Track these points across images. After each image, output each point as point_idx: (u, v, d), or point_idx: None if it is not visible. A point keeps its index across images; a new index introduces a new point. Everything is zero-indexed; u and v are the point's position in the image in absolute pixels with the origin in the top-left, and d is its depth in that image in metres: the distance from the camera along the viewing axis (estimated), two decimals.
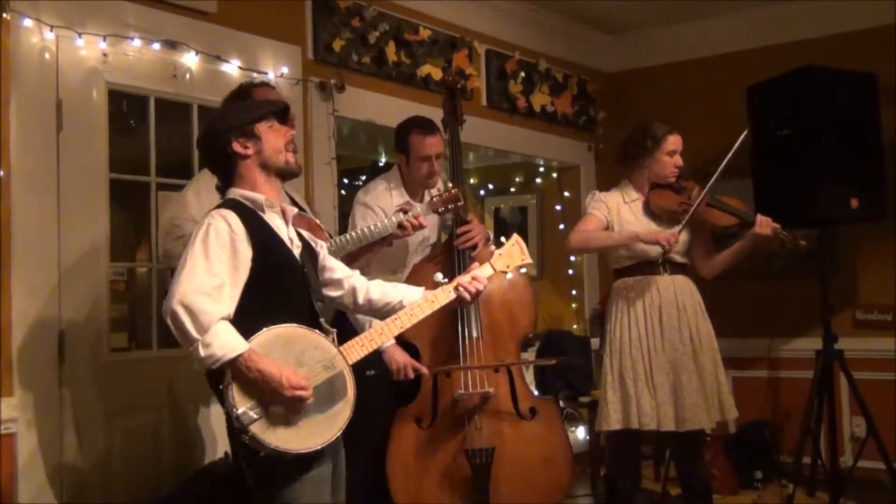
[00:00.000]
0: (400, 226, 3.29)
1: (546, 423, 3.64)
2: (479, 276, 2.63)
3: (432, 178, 3.72)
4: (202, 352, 2.20)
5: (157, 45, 3.55)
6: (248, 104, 2.72)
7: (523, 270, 2.83)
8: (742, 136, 3.60)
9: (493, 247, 3.78)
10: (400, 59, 4.64)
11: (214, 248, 2.30)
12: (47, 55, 3.25)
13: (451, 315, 3.57)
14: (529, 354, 5.04)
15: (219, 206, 2.41)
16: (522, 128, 5.50)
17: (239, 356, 2.21)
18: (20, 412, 3.12)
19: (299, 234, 2.59)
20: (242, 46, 3.89)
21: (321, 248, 2.69)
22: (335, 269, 2.68)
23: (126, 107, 3.67)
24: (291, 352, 2.32)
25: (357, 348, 2.43)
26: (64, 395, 3.26)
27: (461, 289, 2.59)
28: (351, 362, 2.40)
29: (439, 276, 2.65)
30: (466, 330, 3.57)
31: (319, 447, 2.30)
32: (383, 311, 2.64)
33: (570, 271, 5.96)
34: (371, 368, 3.29)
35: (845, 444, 5.09)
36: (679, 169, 3.73)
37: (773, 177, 4.65)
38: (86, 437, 3.32)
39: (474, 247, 3.66)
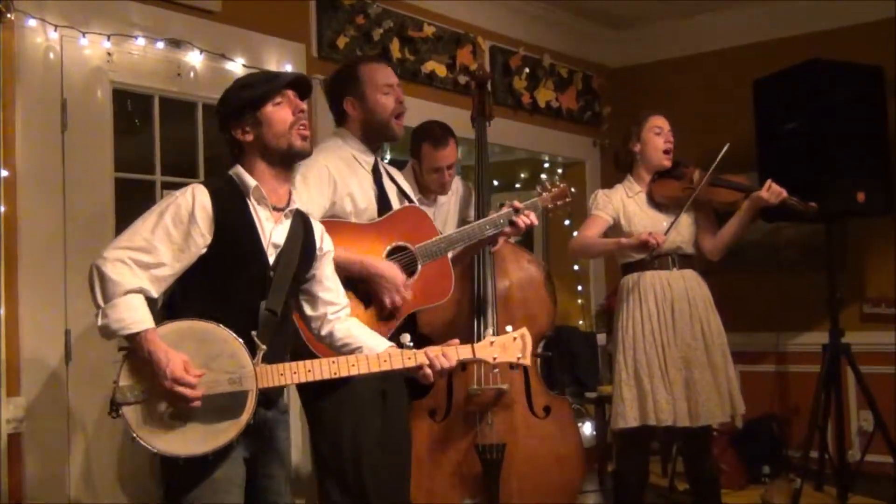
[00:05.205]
0: (512, 223, 3.16)
1: (560, 421, 3.62)
2: (450, 355, 2.32)
3: (444, 188, 3.70)
4: (99, 320, 2.15)
5: (161, 44, 3.56)
6: (253, 80, 2.39)
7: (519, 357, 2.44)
8: (724, 149, 3.58)
9: (512, 244, 3.71)
10: (404, 56, 4.64)
11: (167, 225, 2.19)
12: (52, 55, 3.26)
13: (469, 311, 3.56)
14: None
15: (207, 180, 2.33)
16: (527, 123, 5.49)
17: (135, 334, 2.12)
18: (27, 412, 3.12)
19: (307, 239, 2.38)
20: (247, 44, 3.89)
21: (326, 257, 2.49)
22: (328, 289, 2.48)
23: (131, 106, 3.68)
24: (204, 351, 2.16)
25: (276, 375, 2.20)
26: (71, 395, 3.26)
27: (426, 361, 2.30)
28: (262, 386, 2.19)
29: (406, 338, 2.37)
30: (483, 326, 3.53)
31: (182, 455, 2.13)
32: (337, 350, 2.44)
33: (576, 267, 5.95)
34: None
35: (853, 438, 5.07)
36: (671, 147, 3.72)
37: (779, 171, 4.60)
38: (93, 436, 3.33)
39: (494, 241, 3.53)
